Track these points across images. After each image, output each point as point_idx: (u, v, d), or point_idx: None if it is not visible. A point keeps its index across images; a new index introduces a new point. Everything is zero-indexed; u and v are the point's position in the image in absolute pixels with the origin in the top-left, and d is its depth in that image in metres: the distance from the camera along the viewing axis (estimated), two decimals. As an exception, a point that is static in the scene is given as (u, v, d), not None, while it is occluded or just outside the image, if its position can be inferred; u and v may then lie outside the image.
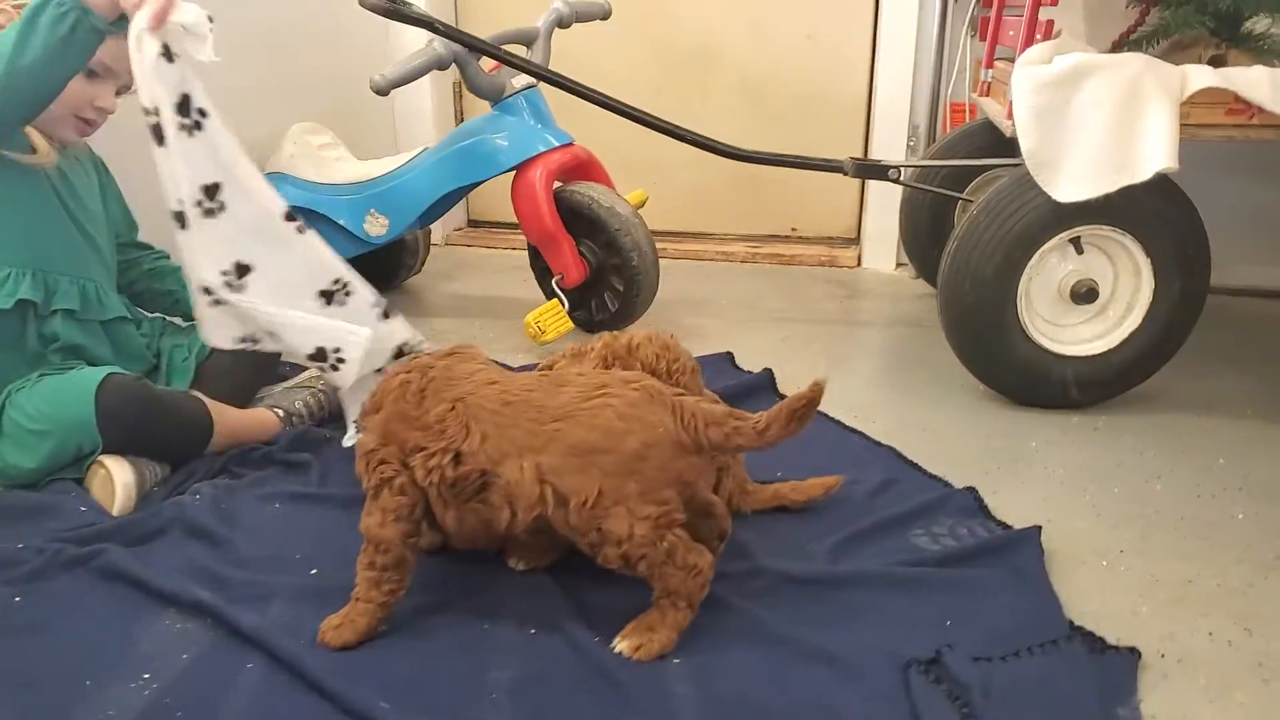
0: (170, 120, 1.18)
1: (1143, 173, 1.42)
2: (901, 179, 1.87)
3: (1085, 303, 1.59)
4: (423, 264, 2.40)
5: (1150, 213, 1.52)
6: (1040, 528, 1.20)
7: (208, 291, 1.24)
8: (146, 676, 0.95)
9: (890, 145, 2.49)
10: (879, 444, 1.49)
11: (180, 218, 1.21)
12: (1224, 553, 1.22)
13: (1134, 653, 1.00)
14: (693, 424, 0.99)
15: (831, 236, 2.77)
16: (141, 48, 1.16)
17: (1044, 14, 1.63)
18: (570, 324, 1.89)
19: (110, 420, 1.24)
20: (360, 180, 2.02)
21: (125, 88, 1.38)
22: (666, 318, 2.13)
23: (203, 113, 1.20)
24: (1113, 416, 1.61)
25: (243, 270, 1.25)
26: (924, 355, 1.91)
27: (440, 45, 1.81)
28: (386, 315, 1.36)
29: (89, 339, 1.37)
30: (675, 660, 0.98)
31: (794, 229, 2.81)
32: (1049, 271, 1.59)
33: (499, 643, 1.01)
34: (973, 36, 2.27)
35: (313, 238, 1.31)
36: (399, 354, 1.36)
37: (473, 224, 2.99)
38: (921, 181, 2.05)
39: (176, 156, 1.19)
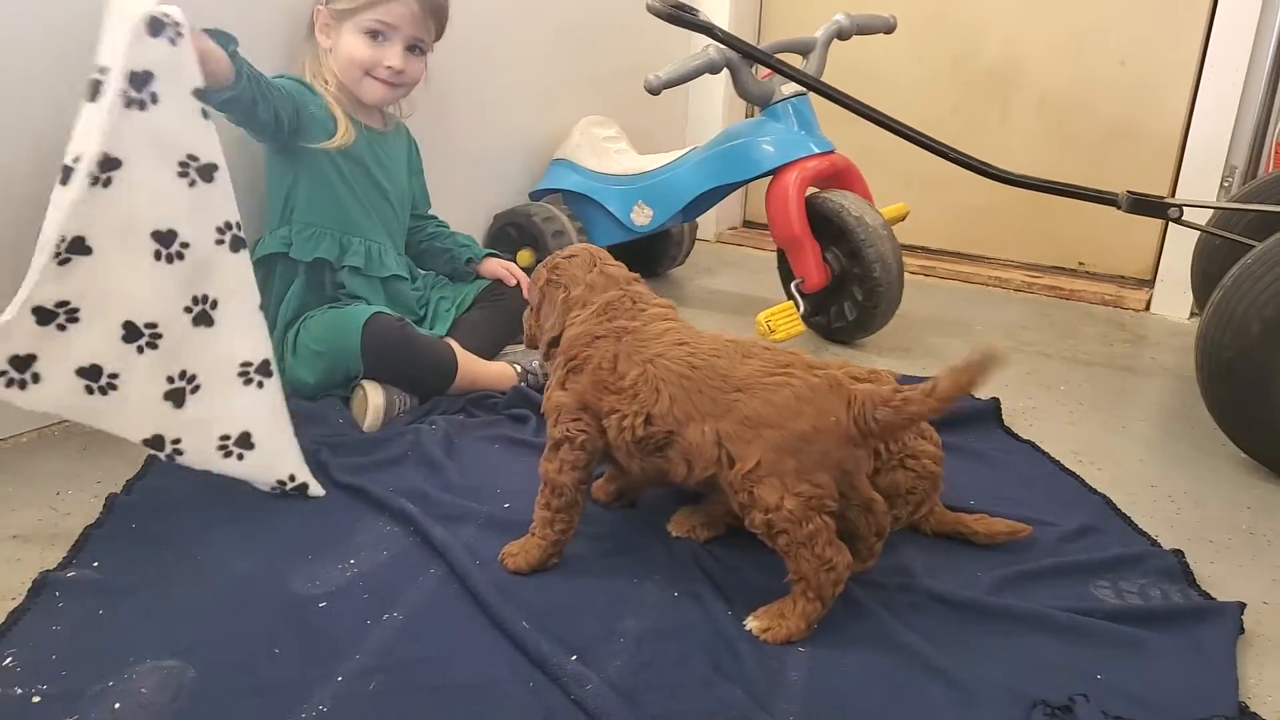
0: (115, 84, 1.09)
1: None
2: (1183, 220, 1.72)
3: (1376, 376, 1.39)
4: (686, 256, 2.53)
5: None
6: (1244, 604, 1.10)
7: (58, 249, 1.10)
8: (352, 562, 1.13)
9: (1201, 184, 2.28)
10: (1092, 490, 1.41)
11: (67, 174, 1.12)
12: None
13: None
14: (863, 415, 1.01)
15: (1123, 276, 2.58)
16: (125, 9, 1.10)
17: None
18: (801, 327, 1.92)
19: (371, 350, 1.46)
20: (632, 172, 2.18)
21: (418, 49, 1.59)
22: (911, 334, 2.11)
23: (154, 98, 1.11)
24: (1399, 510, 1.40)
25: (87, 249, 1.11)
26: (1187, 411, 1.75)
27: (715, 50, 1.91)
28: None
29: (369, 291, 1.61)
30: (800, 649, 1.01)
31: (1081, 263, 2.64)
32: (1337, 336, 1.41)
33: (642, 598, 1.09)
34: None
35: (159, 267, 1.16)
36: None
37: (747, 224, 3.09)
38: (1218, 225, 1.88)
39: (100, 119, 1.09)
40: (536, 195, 2.29)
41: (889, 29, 2.06)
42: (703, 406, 1.03)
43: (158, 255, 1.15)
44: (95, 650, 0.97)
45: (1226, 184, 2.23)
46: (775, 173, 1.97)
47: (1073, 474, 1.46)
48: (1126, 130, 2.46)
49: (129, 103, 1.10)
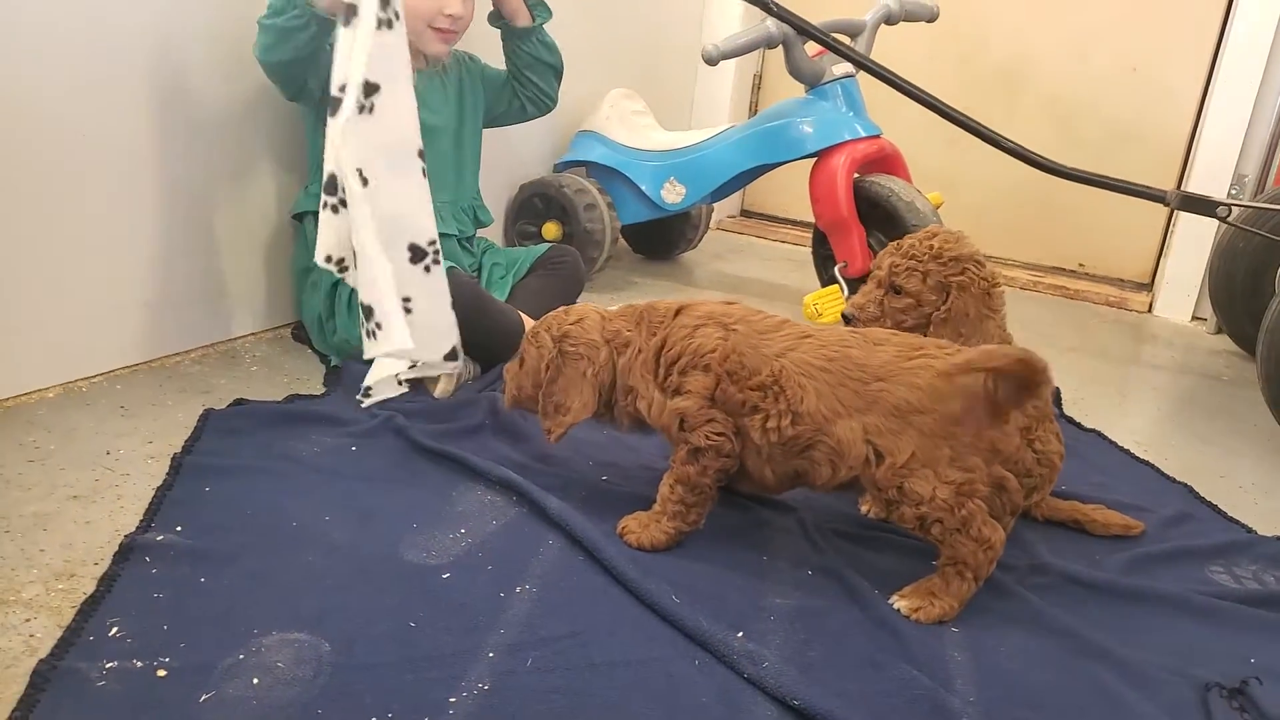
0: (370, 5, 1.10)
1: None
2: (1231, 219, 1.75)
3: None
4: (700, 240, 2.49)
5: None
6: (1363, 591, 1.10)
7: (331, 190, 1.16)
8: (463, 531, 1.06)
9: (1207, 192, 2.33)
10: (1172, 479, 1.41)
11: (335, 104, 1.12)
12: None
13: None
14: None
15: (1122, 279, 2.63)
16: None
17: None
18: (849, 311, 1.90)
19: (445, 312, 1.37)
20: (665, 148, 2.12)
21: None
22: (941, 326, 2.10)
23: (398, 15, 1.13)
24: None
25: (364, 181, 1.13)
26: (1224, 406, 1.79)
27: (773, 25, 1.87)
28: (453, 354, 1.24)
29: None
30: (953, 629, 0.98)
31: (1081, 264, 2.68)
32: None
33: (778, 575, 1.04)
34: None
35: (425, 183, 1.19)
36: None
37: (745, 213, 3.06)
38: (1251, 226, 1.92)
39: (359, 43, 1.11)
40: (561, 167, 2.21)
41: (932, 18, 2.05)
42: (847, 400, 0.98)
43: (424, 173, 1.17)
44: (210, 621, 0.88)
45: (1234, 192, 2.29)
46: (821, 154, 1.94)
47: (1147, 463, 1.46)
48: (1132, 135, 2.51)
49: (384, 25, 1.11)
